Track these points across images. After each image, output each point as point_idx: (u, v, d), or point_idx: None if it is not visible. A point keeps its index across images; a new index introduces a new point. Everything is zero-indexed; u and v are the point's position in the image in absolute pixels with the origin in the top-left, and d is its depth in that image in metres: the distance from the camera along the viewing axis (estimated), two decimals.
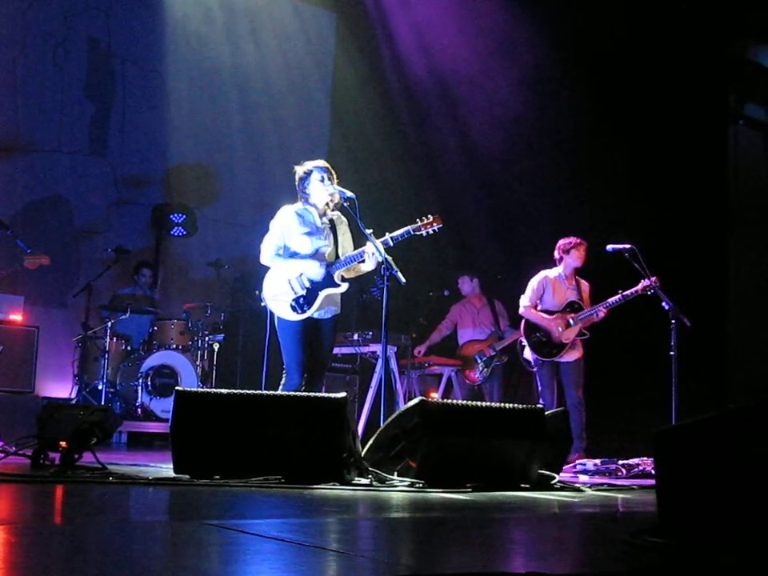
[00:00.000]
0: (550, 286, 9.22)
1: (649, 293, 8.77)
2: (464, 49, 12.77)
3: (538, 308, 9.24)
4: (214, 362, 11.31)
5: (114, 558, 2.70)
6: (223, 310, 11.73)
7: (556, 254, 9.27)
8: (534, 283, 9.28)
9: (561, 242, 9.28)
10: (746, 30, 11.56)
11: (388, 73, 13.68)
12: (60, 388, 10.95)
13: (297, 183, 7.25)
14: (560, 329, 9.00)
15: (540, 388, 9.13)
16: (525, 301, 9.26)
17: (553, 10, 11.89)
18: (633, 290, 8.84)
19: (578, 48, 11.69)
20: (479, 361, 11.04)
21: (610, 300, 8.98)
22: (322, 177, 7.13)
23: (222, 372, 11.50)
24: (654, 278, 8.74)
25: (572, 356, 9.06)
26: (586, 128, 11.72)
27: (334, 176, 7.20)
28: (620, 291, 8.90)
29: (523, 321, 9.30)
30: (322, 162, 7.29)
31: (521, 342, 9.35)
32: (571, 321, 9.02)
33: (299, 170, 7.26)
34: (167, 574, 2.49)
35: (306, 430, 5.52)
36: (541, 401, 8.96)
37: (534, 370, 9.25)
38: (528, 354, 9.26)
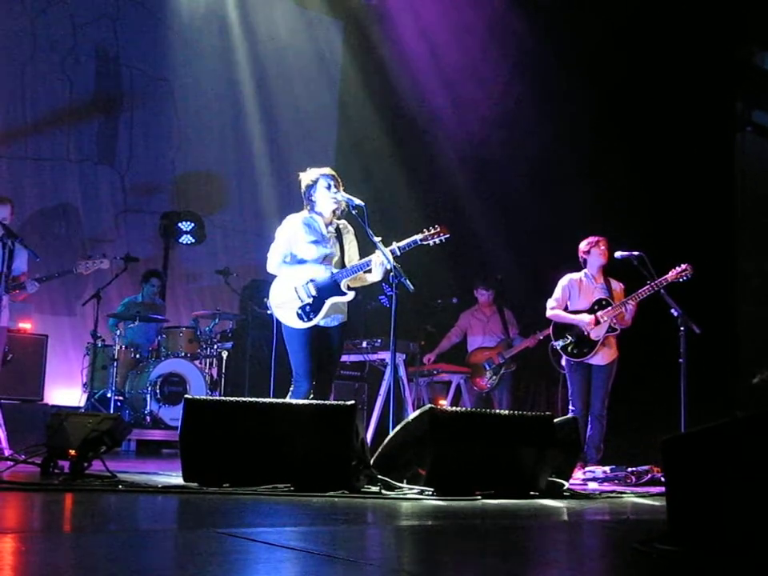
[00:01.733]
0: (576, 287, 9.04)
1: (681, 280, 8.56)
2: (472, 55, 12.78)
3: (567, 310, 9.09)
4: (223, 370, 11.29)
5: (122, 566, 2.71)
6: (231, 318, 11.75)
7: (579, 257, 9.12)
8: (560, 284, 9.11)
9: (581, 244, 9.12)
10: (752, 37, 11.56)
11: (395, 80, 13.69)
12: (69, 396, 10.96)
13: (303, 191, 7.24)
14: (590, 325, 8.84)
15: (570, 392, 8.98)
16: (552, 303, 9.09)
17: (559, 17, 11.91)
18: (662, 278, 8.51)
19: (585, 55, 11.69)
20: (488, 368, 11.02)
21: (637, 292, 8.66)
22: (329, 184, 7.12)
23: (231, 380, 11.49)
24: (684, 265, 8.61)
25: (604, 358, 8.84)
26: (593, 135, 11.72)
27: (340, 183, 7.20)
28: (648, 282, 8.57)
29: (552, 324, 9.17)
30: (327, 170, 7.28)
31: (552, 345, 9.20)
32: (599, 318, 8.85)
33: (305, 178, 7.25)
34: None
35: (315, 438, 5.52)
36: (570, 407, 8.87)
37: (565, 372, 9.11)
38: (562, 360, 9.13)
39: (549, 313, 9.14)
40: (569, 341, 8.94)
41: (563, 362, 9.07)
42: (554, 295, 9.15)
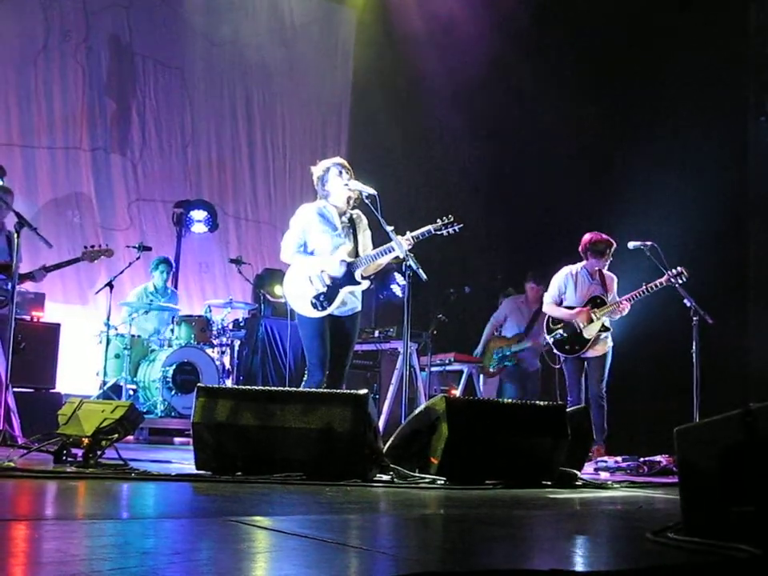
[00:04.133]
0: (572, 282, 9.07)
1: (677, 284, 8.57)
2: (485, 44, 12.74)
3: (562, 305, 9.13)
4: (235, 359, 11.32)
5: (135, 554, 2.71)
6: (244, 307, 11.77)
7: (581, 250, 9.10)
8: (556, 280, 9.15)
9: (587, 237, 9.07)
10: (766, 26, 11.51)
11: (408, 68, 13.68)
12: (82, 384, 10.98)
13: (316, 182, 7.26)
14: (582, 324, 8.88)
15: (567, 383, 9.03)
16: (548, 298, 9.17)
17: (572, 8, 11.89)
18: (658, 281, 8.61)
19: (594, 42, 11.66)
20: (495, 356, 11.07)
21: (633, 293, 8.77)
22: (340, 171, 7.14)
23: (243, 369, 11.52)
24: (680, 268, 8.60)
25: (597, 351, 8.94)
26: (604, 125, 11.69)
27: (351, 172, 7.21)
28: (644, 283, 8.68)
29: (546, 317, 9.22)
30: (338, 159, 7.33)
31: (544, 338, 9.26)
32: (594, 316, 8.90)
33: (316, 170, 7.27)
34: (189, 571, 2.50)
35: (328, 427, 5.52)
36: (569, 398, 8.89)
37: (559, 366, 9.17)
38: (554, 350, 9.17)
39: (545, 307, 9.22)
40: (560, 337, 8.99)
41: (557, 356, 9.13)
42: (549, 290, 9.22)
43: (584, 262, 9.10)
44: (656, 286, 8.65)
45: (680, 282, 8.55)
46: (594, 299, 8.96)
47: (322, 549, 2.94)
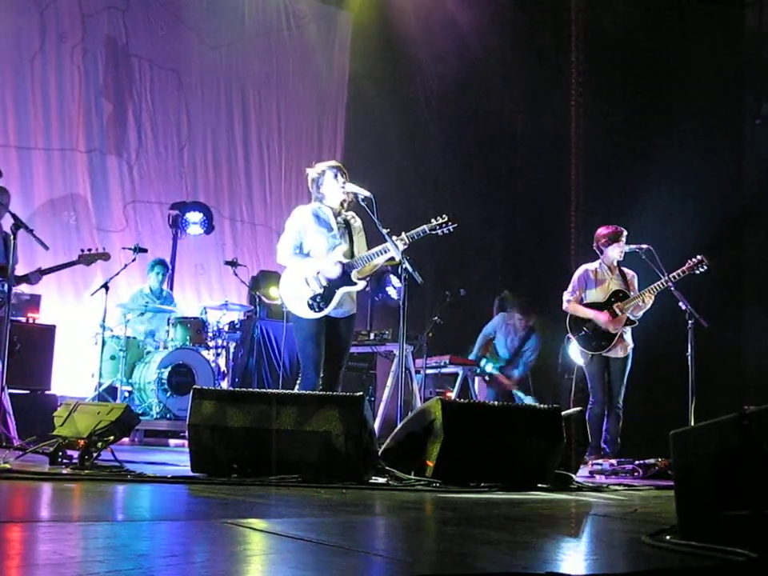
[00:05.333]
0: (592, 278, 8.91)
1: (697, 272, 8.47)
2: (483, 44, 12.76)
3: (584, 302, 9.01)
4: (230, 361, 11.32)
5: (130, 556, 2.72)
6: (239, 309, 11.76)
7: (595, 246, 8.96)
8: (575, 277, 9.01)
9: (600, 232, 8.96)
10: (762, 30, 11.54)
11: (404, 70, 13.70)
12: (77, 386, 10.97)
13: (311, 185, 7.27)
14: (607, 323, 8.73)
15: (590, 385, 8.89)
16: (567, 295, 8.96)
17: (570, 11, 11.91)
18: (679, 270, 8.48)
19: (596, 50, 11.68)
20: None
21: (654, 284, 8.60)
22: (335, 174, 7.15)
23: (239, 371, 11.51)
24: (700, 257, 8.50)
25: (620, 352, 8.79)
26: (602, 129, 11.71)
27: (347, 175, 7.22)
28: (665, 273, 8.50)
29: (568, 316, 9.07)
30: (334, 162, 7.34)
31: (568, 337, 9.13)
32: (617, 310, 8.76)
33: (312, 172, 7.28)
34: (185, 574, 2.50)
35: (323, 429, 5.52)
36: (591, 398, 8.81)
37: (583, 365, 9.05)
38: (577, 351, 9.05)
39: (565, 305, 8.99)
40: (586, 333, 8.85)
41: (580, 354, 9.03)
42: (569, 287, 9.03)
43: (601, 259, 8.96)
44: (677, 275, 8.48)
45: (700, 270, 8.49)
46: (616, 293, 8.83)
47: (317, 551, 2.94)
